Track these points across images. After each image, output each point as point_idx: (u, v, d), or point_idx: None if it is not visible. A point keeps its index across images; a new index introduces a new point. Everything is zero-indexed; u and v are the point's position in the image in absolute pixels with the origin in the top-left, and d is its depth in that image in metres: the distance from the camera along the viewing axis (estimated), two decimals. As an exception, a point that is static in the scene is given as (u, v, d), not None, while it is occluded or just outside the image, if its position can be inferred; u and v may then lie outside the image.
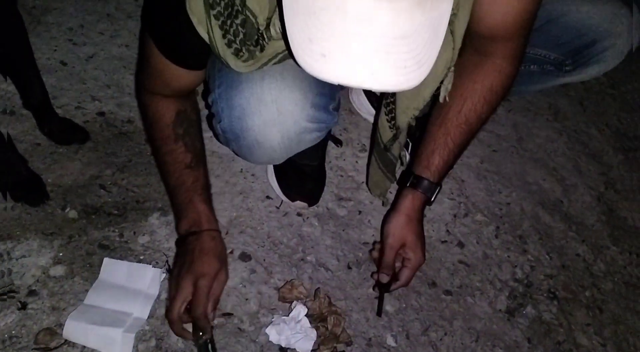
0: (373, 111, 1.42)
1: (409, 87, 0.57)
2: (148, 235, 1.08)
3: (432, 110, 1.02)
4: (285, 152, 0.95)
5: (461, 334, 1.12)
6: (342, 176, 1.34)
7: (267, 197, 1.22)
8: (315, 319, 1.01)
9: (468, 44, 0.96)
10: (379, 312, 1.07)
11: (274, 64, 0.83)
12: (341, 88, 1.04)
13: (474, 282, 1.22)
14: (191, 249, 0.92)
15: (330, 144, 1.36)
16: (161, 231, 1.09)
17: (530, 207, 1.45)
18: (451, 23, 0.82)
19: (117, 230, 1.06)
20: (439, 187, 1.01)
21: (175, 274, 0.93)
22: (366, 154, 1.41)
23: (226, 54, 0.79)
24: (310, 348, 0.97)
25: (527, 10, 0.87)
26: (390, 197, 1.32)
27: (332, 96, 0.94)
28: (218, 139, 0.99)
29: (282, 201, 1.22)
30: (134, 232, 1.07)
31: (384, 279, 1.03)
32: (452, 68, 0.89)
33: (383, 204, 1.28)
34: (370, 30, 0.52)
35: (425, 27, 0.53)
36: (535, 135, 1.69)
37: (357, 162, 1.38)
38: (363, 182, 1.30)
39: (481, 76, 0.95)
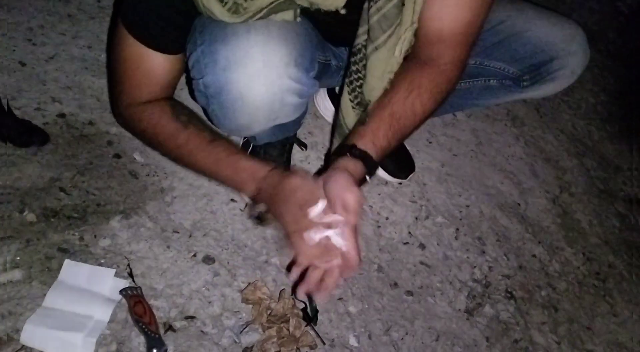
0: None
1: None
2: (109, 238, 1.06)
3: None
4: (267, 112, 0.92)
5: (422, 334, 1.15)
6: (306, 179, 1.35)
7: (232, 199, 1.23)
8: (278, 319, 1.02)
9: (413, 52, 0.96)
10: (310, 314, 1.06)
11: (259, 18, 0.84)
12: (320, 57, 1.06)
13: (435, 283, 1.25)
14: (276, 194, 0.87)
15: (296, 148, 1.37)
16: (122, 234, 1.07)
17: (489, 209, 1.49)
18: None
19: (77, 233, 1.05)
20: (376, 169, 0.92)
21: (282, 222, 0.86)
22: (330, 157, 1.42)
23: (210, 2, 0.80)
24: None
25: (474, 18, 0.89)
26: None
27: (311, 62, 0.94)
28: (197, 101, 0.97)
29: (246, 203, 1.22)
30: (95, 236, 1.06)
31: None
32: (414, 26, 0.90)
33: None
34: None
35: None
36: (494, 141, 1.74)
37: (322, 165, 1.39)
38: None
39: (427, 72, 0.93)
